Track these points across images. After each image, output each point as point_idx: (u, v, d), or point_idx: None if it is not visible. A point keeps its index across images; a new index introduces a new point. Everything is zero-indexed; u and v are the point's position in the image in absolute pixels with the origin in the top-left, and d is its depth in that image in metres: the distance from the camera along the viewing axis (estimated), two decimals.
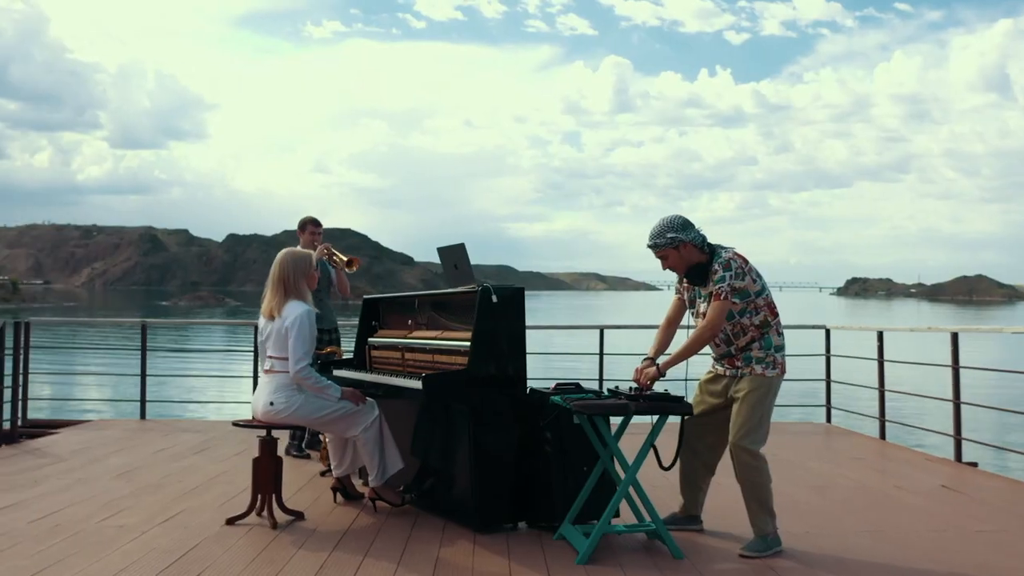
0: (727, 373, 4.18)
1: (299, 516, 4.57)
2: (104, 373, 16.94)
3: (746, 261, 4.07)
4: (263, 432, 4.53)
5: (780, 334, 4.15)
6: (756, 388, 4.04)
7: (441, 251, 4.77)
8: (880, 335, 8.00)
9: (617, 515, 4.37)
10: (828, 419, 8.88)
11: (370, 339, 5.51)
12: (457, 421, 4.42)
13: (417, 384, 4.28)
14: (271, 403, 4.45)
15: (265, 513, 4.43)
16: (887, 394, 8.00)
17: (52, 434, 7.57)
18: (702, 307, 4.14)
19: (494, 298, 4.36)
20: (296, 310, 4.44)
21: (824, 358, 8.93)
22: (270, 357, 4.52)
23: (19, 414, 7.45)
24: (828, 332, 8.92)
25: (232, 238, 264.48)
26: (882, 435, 7.83)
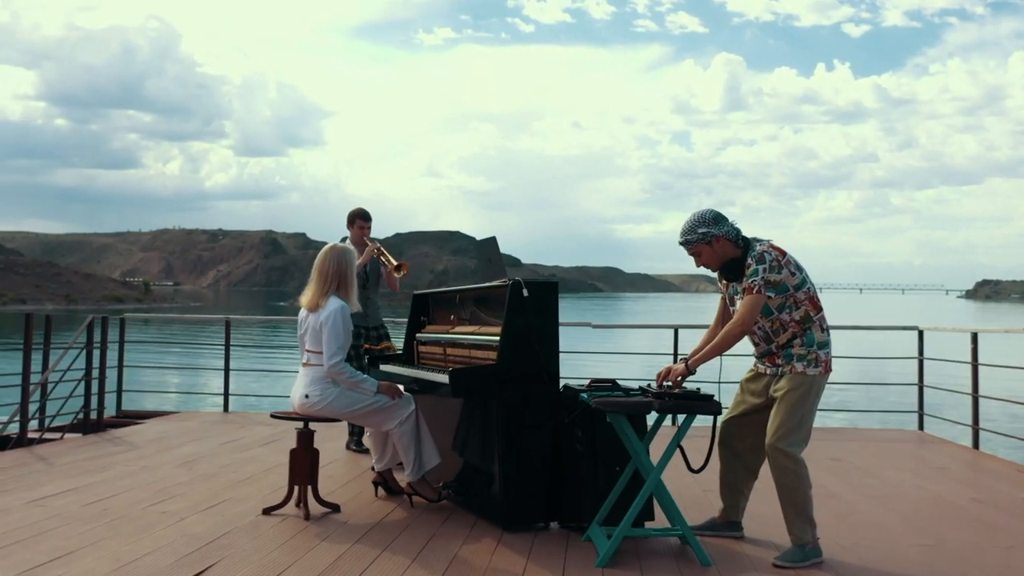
0: (768, 371, 3.96)
1: (335, 508, 4.61)
2: (195, 368, 17.70)
3: (783, 253, 3.84)
4: (300, 424, 4.60)
5: (824, 330, 3.90)
6: (797, 387, 3.81)
7: (477, 244, 4.72)
8: (974, 337, 7.47)
9: (652, 518, 4.24)
10: (920, 426, 8.35)
11: (418, 334, 5.51)
12: (490, 417, 4.35)
13: (445, 378, 4.25)
14: (306, 395, 4.51)
15: (301, 504, 4.49)
16: (984, 401, 7.47)
17: (138, 424, 7.96)
18: (738, 304, 3.94)
19: (525, 292, 4.28)
20: (332, 305, 4.48)
21: (917, 361, 8.42)
22: (307, 351, 4.59)
23: (103, 405, 7.82)
24: (921, 334, 8.40)
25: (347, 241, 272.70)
26: (975, 444, 7.30)
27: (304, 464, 4.54)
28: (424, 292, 5.72)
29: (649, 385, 4.04)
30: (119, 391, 8.79)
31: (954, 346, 8.98)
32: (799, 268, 3.87)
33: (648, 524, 4.21)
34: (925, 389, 8.39)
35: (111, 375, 8.80)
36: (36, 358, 7.65)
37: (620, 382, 4.23)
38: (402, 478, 5.05)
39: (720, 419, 4.13)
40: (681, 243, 3.96)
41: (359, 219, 6.47)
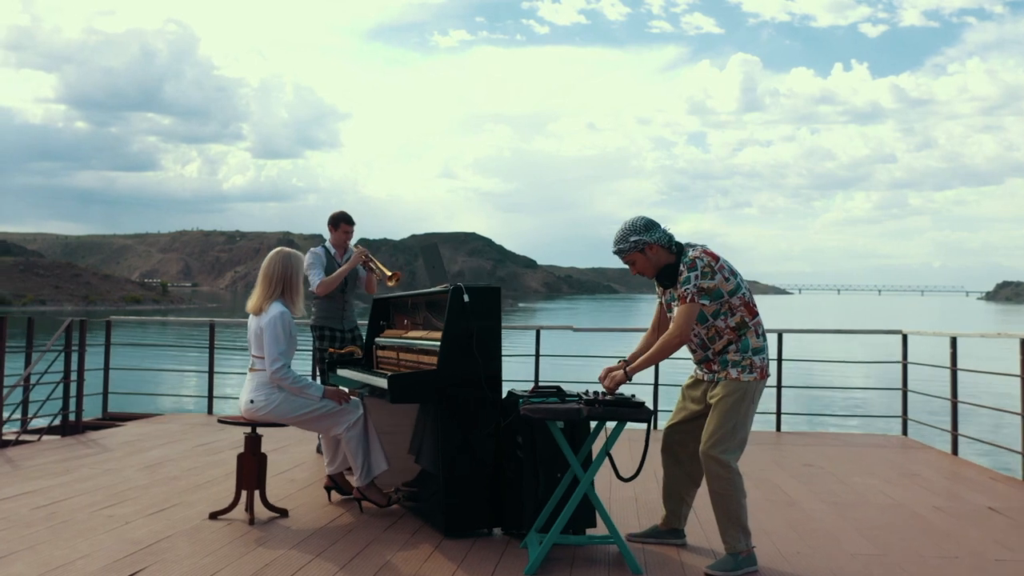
0: (705, 377, 3.92)
1: (283, 513, 4.61)
2: (177, 370, 17.79)
3: (716, 258, 3.80)
4: (248, 429, 4.60)
5: (760, 336, 3.86)
6: (731, 393, 3.77)
7: (421, 250, 4.72)
8: (953, 341, 7.38)
9: (593, 525, 4.21)
10: (904, 431, 8.27)
11: (377, 339, 5.51)
12: (435, 422, 4.34)
13: (385, 383, 4.25)
14: (251, 401, 4.52)
15: (250, 509, 4.50)
16: (974, 407, 7.39)
17: (118, 426, 8.02)
18: (675, 311, 3.90)
19: (466, 297, 4.26)
20: (273, 311, 4.49)
21: (901, 366, 8.34)
22: (253, 355, 4.59)
23: (82, 407, 7.86)
24: (905, 338, 8.32)
25: (363, 242, 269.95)
26: (954, 450, 7.21)
27: (251, 469, 4.54)
28: (384, 296, 5.72)
29: (588, 391, 4.00)
30: (105, 393, 8.86)
31: (942, 351, 8.86)
32: (733, 272, 3.83)
33: (590, 531, 4.18)
34: (910, 394, 8.32)
35: (97, 377, 8.88)
36: (17, 361, 7.74)
37: (565, 387, 4.21)
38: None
39: (663, 425, 4.12)
40: (614, 252, 3.93)
41: (343, 222, 6.34)
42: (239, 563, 3.71)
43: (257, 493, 4.56)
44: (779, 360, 8.53)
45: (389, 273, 6.17)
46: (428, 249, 4.62)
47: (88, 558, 3.72)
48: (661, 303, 4.08)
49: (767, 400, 11.10)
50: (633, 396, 3.81)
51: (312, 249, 6.23)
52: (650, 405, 3.90)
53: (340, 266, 6.17)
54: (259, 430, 4.60)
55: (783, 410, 8.60)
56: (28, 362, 7.59)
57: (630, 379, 3.89)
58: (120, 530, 4.20)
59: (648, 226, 3.85)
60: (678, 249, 3.86)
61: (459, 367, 4.24)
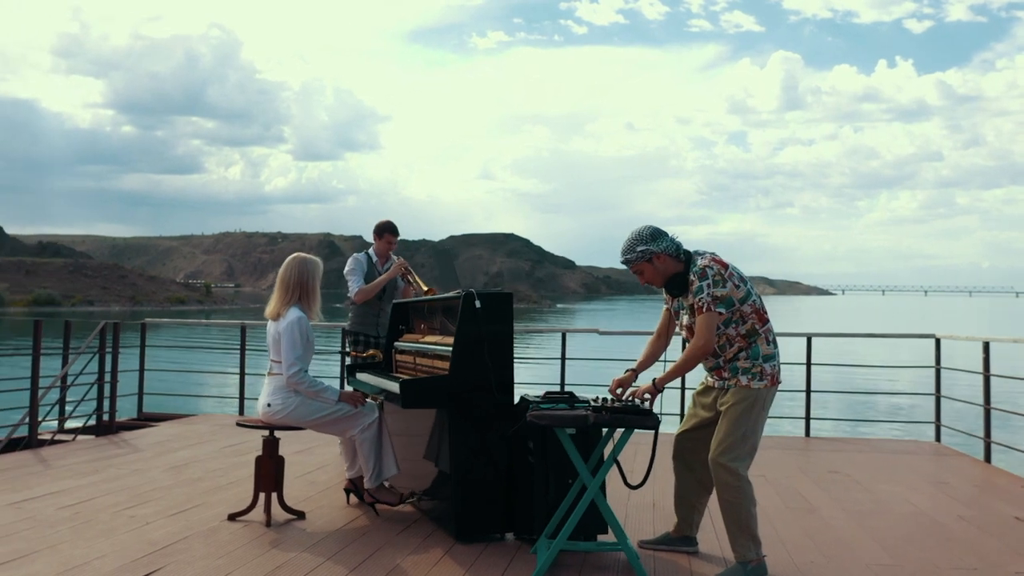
0: (716, 385, 3.90)
1: (300, 515, 4.68)
2: (210, 371, 18.05)
3: (725, 266, 3.77)
4: (266, 432, 4.67)
5: (771, 342, 3.82)
6: (740, 401, 3.74)
7: (436, 257, 4.75)
8: (986, 346, 7.21)
9: (604, 531, 4.20)
10: (937, 438, 8.11)
11: (396, 343, 5.56)
12: (447, 428, 4.37)
13: (398, 388, 4.28)
14: (269, 404, 4.59)
15: (267, 511, 4.57)
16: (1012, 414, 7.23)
17: (151, 427, 8.19)
18: (685, 319, 3.88)
19: (477, 303, 4.29)
20: (290, 316, 4.55)
21: (934, 371, 8.18)
22: (272, 360, 4.66)
23: (115, 408, 8.04)
24: (938, 342, 8.16)
25: (402, 243, 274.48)
26: (987, 458, 7.05)
27: (269, 471, 4.61)
28: (403, 301, 5.76)
29: (599, 398, 3.99)
30: (140, 394, 9.06)
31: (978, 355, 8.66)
32: (743, 280, 3.79)
33: (602, 538, 4.17)
34: (945, 400, 8.16)
35: (132, 378, 9.09)
36: (56, 362, 7.95)
37: (580, 393, 4.20)
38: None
39: (675, 432, 4.10)
40: (622, 262, 3.92)
41: (388, 232, 6.28)
42: (252, 565, 3.78)
43: (275, 495, 4.63)
44: (807, 365, 8.42)
45: (425, 288, 6.17)
46: (441, 256, 4.65)
47: (105, 558, 3.82)
48: (668, 310, 4.06)
49: (796, 406, 10.93)
50: (643, 403, 3.79)
51: (355, 255, 6.23)
52: (656, 410, 3.88)
53: (380, 274, 6.18)
54: (281, 433, 4.67)
55: (812, 415, 8.49)
56: (65, 363, 7.79)
57: (661, 391, 3.86)
58: (140, 530, 4.30)
59: (655, 235, 3.83)
60: (686, 258, 3.83)
61: (471, 373, 4.26)
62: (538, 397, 4.21)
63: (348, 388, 5.38)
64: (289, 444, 6.99)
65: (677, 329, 4.01)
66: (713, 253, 3.85)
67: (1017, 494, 5.74)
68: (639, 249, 3.82)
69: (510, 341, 4.36)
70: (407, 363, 5.27)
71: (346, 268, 6.08)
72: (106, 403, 7.94)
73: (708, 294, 3.70)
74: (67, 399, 7.84)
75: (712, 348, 3.74)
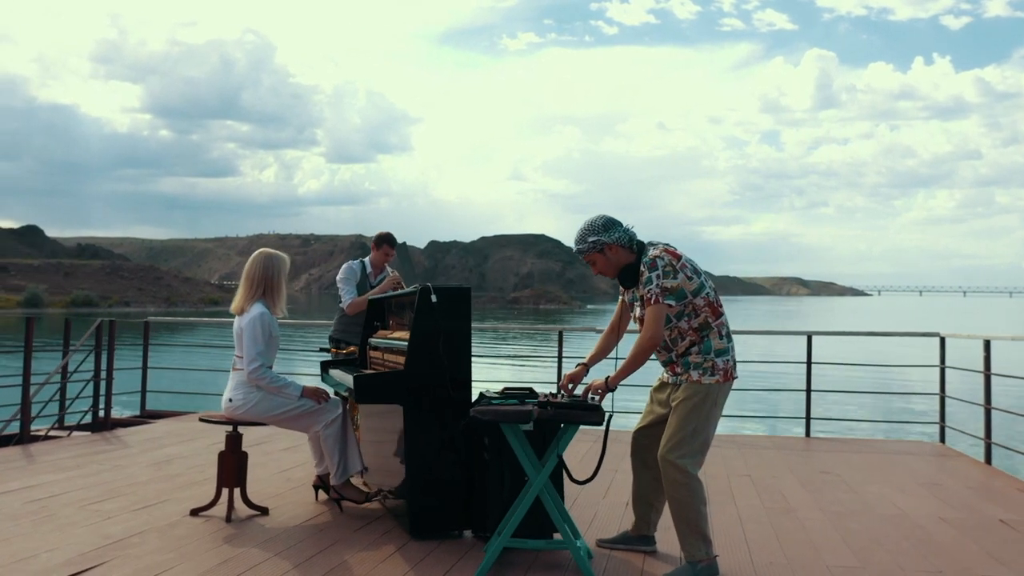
0: (670, 380, 3.80)
1: (263, 511, 4.66)
2: (211, 369, 18.17)
3: (678, 257, 3.67)
4: (229, 428, 4.66)
5: (724, 336, 3.72)
6: (691, 396, 3.65)
7: (399, 255, 4.71)
8: (987, 344, 7.01)
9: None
10: (942, 439, 7.90)
11: (370, 339, 5.53)
12: (403, 423, 4.32)
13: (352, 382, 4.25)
14: (230, 399, 4.58)
15: (228, 506, 4.56)
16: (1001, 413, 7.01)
17: (149, 424, 8.25)
18: (637, 311, 3.79)
19: (433, 298, 4.23)
20: (253, 312, 4.54)
21: (939, 370, 7.98)
22: (236, 355, 4.65)
23: (111, 405, 8.11)
24: (943, 341, 7.95)
25: (433, 244, 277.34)
26: (987, 459, 6.85)
27: (231, 466, 4.60)
28: (379, 297, 5.73)
29: (552, 393, 3.92)
30: (143, 392, 9.14)
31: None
32: (697, 272, 3.70)
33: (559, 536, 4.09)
34: (948, 399, 7.95)
35: (135, 376, 9.19)
36: (57, 360, 8.04)
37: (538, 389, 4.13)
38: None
39: (633, 429, 4.02)
40: (574, 252, 3.84)
41: (386, 244, 6.17)
42: (198, 559, 3.76)
43: (239, 491, 4.62)
44: (808, 364, 8.27)
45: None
46: (400, 252, 4.60)
47: (55, 551, 3.82)
48: (623, 302, 3.97)
49: (797, 406, 10.73)
50: (592, 399, 3.71)
51: (349, 263, 6.19)
52: (609, 406, 3.80)
53: (371, 285, 6.15)
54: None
55: (813, 415, 8.33)
56: (65, 363, 7.87)
57: (613, 390, 3.78)
58: (99, 525, 4.31)
59: (607, 225, 3.75)
60: (639, 248, 3.75)
61: (426, 368, 4.21)
62: (496, 393, 4.15)
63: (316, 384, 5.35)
64: (277, 440, 7.01)
65: (632, 322, 3.91)
66: (667, 244, 3.76)
67: (1010, 497, 5.55)
68: (590, 239, 3.74)
69: (467, 337, 4.30)
70: (377, 359, 5.23)
71: (339, 276, 6.07)
72: (102, 400, 8.01)
73: (657, 285, 3.60)
74: (60, 398, 7.92)
75: (660, 341, 3.65)
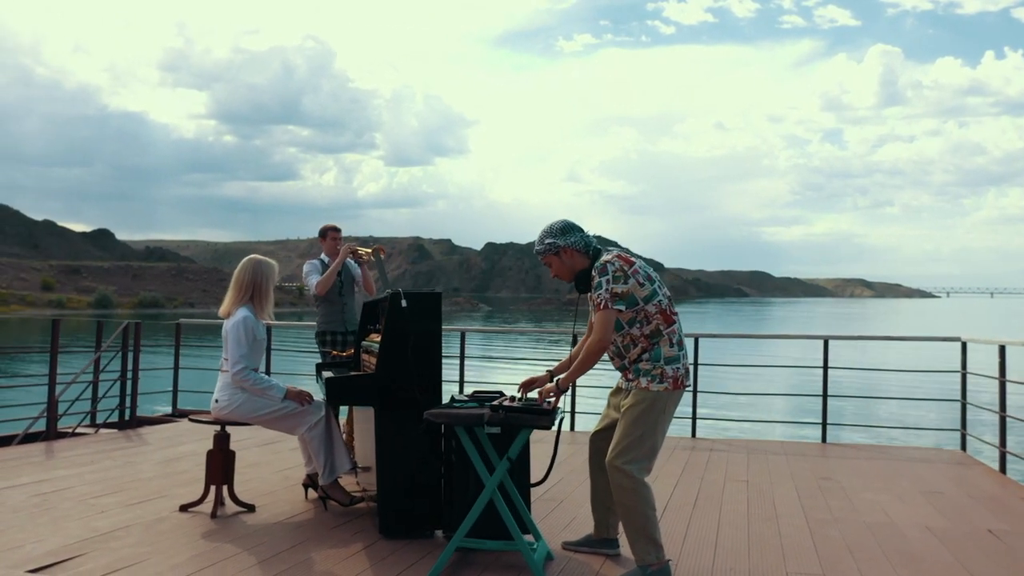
0: (623, 386, 3.84)
1: (250, 508, 4.82)
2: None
3: (630, 263, 3.70)
4: (218, 427, 4.84)
5: (674, 344, 3.73)
6: (639, 403, 3.67)
7: (376, 262, 4.83)
8: (1002, 350, 6.83)
9: (526, 531, 4.18)
10: (963, 446, 7.71)
11: (363, 341, 5.66)
12: (374, 425, 4.44)
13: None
14: (216, 400, 4.75)
15: (215, 503, 4.73)
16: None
17: (175, 422, 8.55)
18: (592, 316, 3.83)
19: (403, 303, 4.34)
20: (238, 315, 4.70)
21: (960, 375, 7.78)
22: (223, 358, 4.83)
23: (137, 403, 8.42)
24: (964, 346, 7.76)
25: (490, 246, 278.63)
26: (1002, 468, 6.67)
27: (218, 464, 4.77)
28: (375, 299, 5.86)
29: (515, 397, 3.99)
30: (174, 391, 9.47)
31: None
32: (650, 279, 3.72)
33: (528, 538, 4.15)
34: (969, 406, 7.75)
35: (167, 376, 9.54)
36: (74, 361, 8.39)
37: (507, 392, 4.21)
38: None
39: (590, 432, 4.07)
40: (534, 252, 3.91)
41: (330, 231, 6.41)
42: (171, 552, 3.93)
43: (225, 488, 4.79)
44: (824, 368, 8.14)
45: (370, 249, 6.23)
46: (376, 256, 4.73)
47: (41, 543, 4.04)
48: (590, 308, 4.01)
49: (812, 412, 10.54)
50: (547, 403, 3.76)
51: (309, 260, 6.45)
52: (566, 408, 3.85)
53: (338, 272, 6.32)
54: (227, 428, 4.83)
55: (830, 421, 8.20)
56: (97, 361, 8.22)
57: (564, 391, 3.84)
58: (90, 518, 4.52)
59: (565, 230, 3.80)
60: (595, 254, 3.79)
61: (397, 371, 4.32)
62: (466, 396, 4.24)
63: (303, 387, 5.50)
64: (288, 440, 7.19)
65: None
66: (622, 250, 3.79)
67: (1011, 507, 5.41)
68: (547, 242, 3.81)
69: (438, 340, 4.40)
70: (368, 362, 5.36)
71: (303, 272, 6.28)
72: (128, 399, 8.33)
73: (607, 290, 3.64)
74: (92, 396, 8.25)
75: (608, 345, 3.68)
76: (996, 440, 7.33)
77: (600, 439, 3.98)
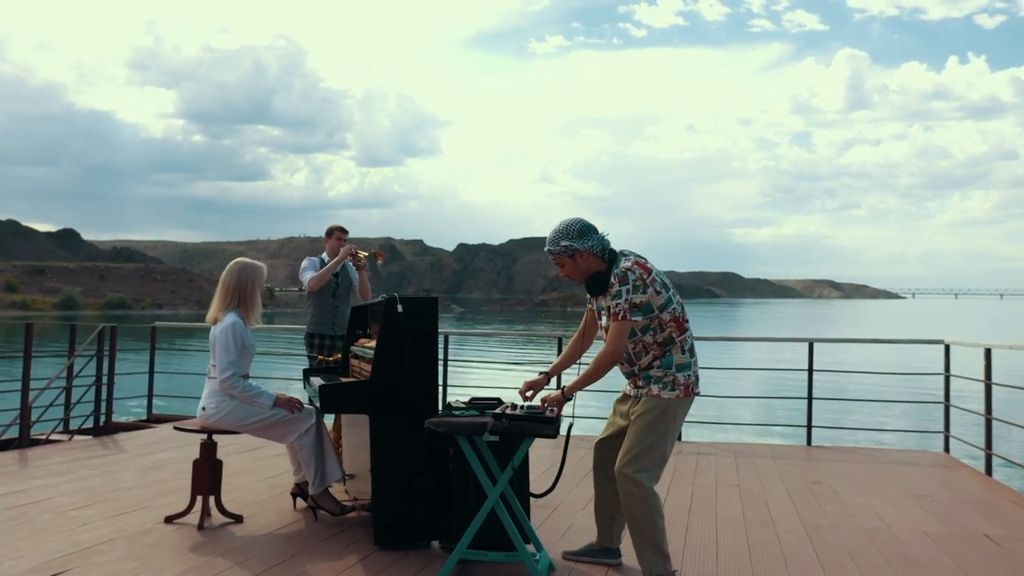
0: (631, 393, 3.77)
1: (238, 519, 4.69)
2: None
3: (648, 271, 3.61)
4: (204, 436, 4.69)
5: (686, 351, 3.66)
6: (650, 410, 3.60)
7: (372, 265, 4.72)
8: (988, 353, 6.86)
9: (529, 541, 4.10)
10: (947, 448, 7.74)
11: (352, 347, 5.55)
12: (369, 433, 4.33)
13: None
14: (203, 408, 4.61)
15: (202, 514, 4.59)
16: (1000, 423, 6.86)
17: (151, 428, 8.35)
18: (604, 321, 3.75)
19: (399, 307, 4.24)
20: (226, 321, 4.57)
21: (944, 378, 7.82)
22: (210, 364, 4.69)
23: (112, 409, 8.22)
24: (948, 348, 7.79)
25: (462, 247, 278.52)
26: (987, 470, 6.70)
27: (204, 474, 4.63)
28: (363, 304, 5.75)
29: (516, 405, 3.90)
30: (149, 396, 9.27)
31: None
32: (666, 286, 3.65)
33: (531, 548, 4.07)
34: (952, 408, 7.79)
35: (142, 380, 9.32)
36: (60, 366, 8.17)
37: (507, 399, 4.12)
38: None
39: (595, 441, 3.99)
40: (545, 251, 3.82)
41: (337, 231, 6.32)
42: (158, 567, 3.79)
43: (212, 498, 4.65)
44: (809, 371, 8.15)
45: (367, 253, 6.13)
46: (370, 258, 4.62)
47: (22, 558, 3.87)
48: (591, 310, 3.93)
49: (797, 415, 10.56)
50: (551, 411, 3.68)
51: (308, 257, 6.32)
52: (569, 415, 3.78)
53: (335, 273, 6.20)
54: (214, 437, 4.69)
55: (815, 423, 8.20)
56: (71, 367, 8.00)
57: (569, 399, 3.76)
58: (71, 532, 4.36)
59: (583, 232, 3.70)
60: (611, 257, 3.70)
61: (392, 378, 4.21)
62: (463, 403, 4.14)
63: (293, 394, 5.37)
64: (271, 447, 7.04)
65: (599, 331, 3.87)
66: (638, 256, 3.71)
67: (1002, 511, 5.42)
68: (563, 243, 3.70)
69: (434, 346, 4.30)
70: (356, 368, 5.25)
71: (301, 268, 6.16)
72: (104, 405, 8.13)
73: (626, 300, 3.56)
74: (65, 402, 8.04)
75: (621, 356, 3.61)
76: (979, 442, 7.39)
77: (606, 447, 3.90)
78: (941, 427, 7.91)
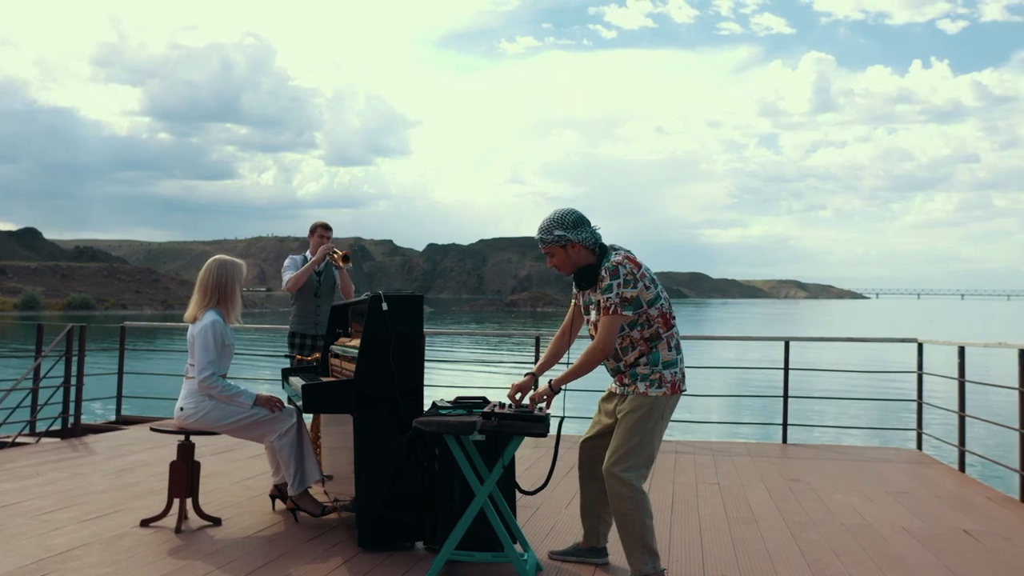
0: (618, 391, 3.74)
1: (215, 522, 4.59)
2: (179, 375, 18.11)
3: (638, 266, 3.59)
4: (182, 437, 4.60)
5: (672, 348, 3.65)
6: (636, 408, 3.58)
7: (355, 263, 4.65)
8: (961, 351, 6.95)
9: (514, 542, 4.06)
10: (919, 446, 7.84)
11: (332, 346, 5.47)
12: (353, 433, 4.26)
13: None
14: (181, 408, 4.51)
15: (179, 517, 4.49)
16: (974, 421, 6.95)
17: (122, 429, 8.17)
18: (593, 315, 3.71)
19: (384, 306, 4.18)
20: (205, 320, 4.47)
21: (916, 376, 7.92)
22: (188, 364, 4.59)
23: (80, 411, 8.04)
24: (921, 347, 7.89)
25: (432, 247, 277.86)
26: (961, 467, 6.78)
27: (182, 476, 4.53)
28: (344, 303, 5.67)
29: (503, 403, 3.86)
30: (118, 397, 9.07)
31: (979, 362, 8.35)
32: (654, 282, 3.63)
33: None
34: (925, 406, 7.89)
35: (111, 381, 9.12)
36: (27, 366, 7.96)
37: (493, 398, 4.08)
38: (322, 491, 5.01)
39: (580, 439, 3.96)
40: (536, 239, 3.77)
41: (320, 228, 6.24)
42: (134, 572, 3.69)
43: (189, 501, 4.55)
44: (785, 369, 8.20)
45: (341, 254, 6.05)
46: (353, 257, 4.55)
47: None
48: (576, 304, 3.90)
49: (772, 413, 10.64)
50: (539, 408, 3.65)
51: (291, 256, 6.22)
52: (558, 413, 3.74)
53: (318, 271, 6.11)
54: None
55: (791, 421, 8.26)
56: (37, 367, 7.80)
57: (557, 392, 3.73)
58: (44, 536, 4.24)
59: (577, 223, 3.65)
60: (601, 251, 3.67)
61: (377, 377, 4.15)
62: (448, 402, 4.09)
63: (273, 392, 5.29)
64: (244, 448, 6.93)
65: (585, 325, 3.84)
66: (628, 251, 3.68)
67: (979, 506, 5.49)
68: (556, 233, 3.66)
69: (420, 345, 4.25)
70: (337, 367, 5.17)
71: (283, 267, 6.07)
72: (72, 406, 7.94)
73: (617, 294, 3.53)
74: (32, 403, 7.84)
75: (611, 350, 3.58)
76: (952, 439, 7.48)
77: (591, 446, 3.88)
78: (914, 424, 8.01)
